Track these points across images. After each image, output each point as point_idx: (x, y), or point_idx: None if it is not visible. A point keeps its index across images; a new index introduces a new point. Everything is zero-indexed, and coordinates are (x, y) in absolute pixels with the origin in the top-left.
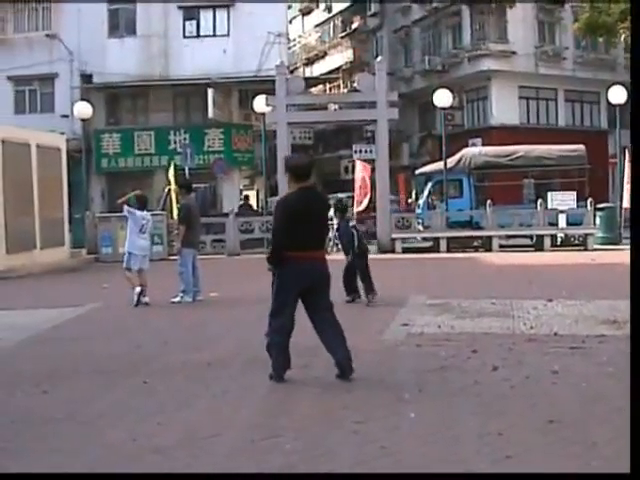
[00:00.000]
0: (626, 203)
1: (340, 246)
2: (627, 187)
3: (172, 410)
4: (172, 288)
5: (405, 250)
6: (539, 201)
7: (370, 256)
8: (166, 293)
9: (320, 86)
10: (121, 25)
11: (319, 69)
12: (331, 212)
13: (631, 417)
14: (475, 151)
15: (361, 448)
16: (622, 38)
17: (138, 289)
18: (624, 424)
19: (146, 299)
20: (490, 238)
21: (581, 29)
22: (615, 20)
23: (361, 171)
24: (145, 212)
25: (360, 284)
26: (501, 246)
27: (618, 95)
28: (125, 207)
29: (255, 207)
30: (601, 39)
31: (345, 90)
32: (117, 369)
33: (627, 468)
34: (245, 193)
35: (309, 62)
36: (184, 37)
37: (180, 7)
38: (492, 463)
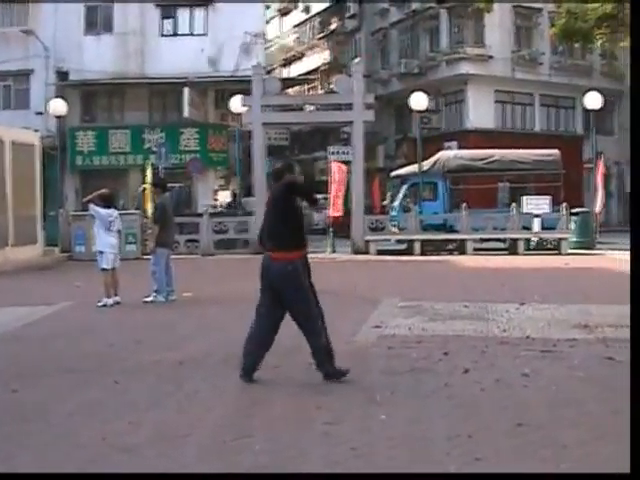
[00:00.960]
0: (597, 208)
1: None
2: (600, 192)
3: (143, 409)
4: (145, 287)
5: (379, 252)
6: (513, 205)
7: (344, 257)
8: (139, 292)
9: (297, 87)
10: (98, 22)
11: (296, 70)
12: None
13: (631, 417)
14: (450, 154)
15: (332, 449)
16: (598, 44)
17: (111, 300)
18: (594, 427)
19: (117, 298)
20: (464, 241)
21: (557, 34)
22: (591, 26)
23: (337, 173)
24: (111, 210)
25: None
26: (475, 249)
27: (594, 101)
28: (90, 206)
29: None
30: (577, 45)
31: (322, 91)
32: (88, 368)
33: (596, 472)
34: (223, 193)
35: (286, 63)
36: (161, 35)
37: (157, 5)
38: (462, 465)
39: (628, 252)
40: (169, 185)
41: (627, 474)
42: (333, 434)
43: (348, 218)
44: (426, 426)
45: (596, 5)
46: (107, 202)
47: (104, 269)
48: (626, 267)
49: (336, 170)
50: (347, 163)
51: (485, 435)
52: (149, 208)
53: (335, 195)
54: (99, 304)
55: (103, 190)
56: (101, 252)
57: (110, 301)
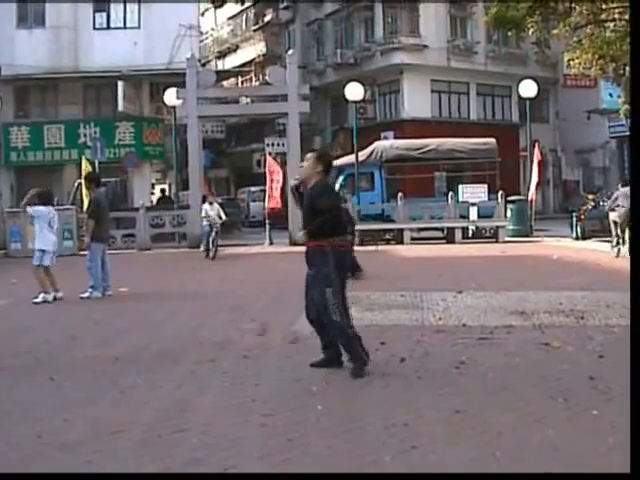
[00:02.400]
0: (530, 195)
1: None
2: (534, 180)
3: (78, 406)
4: (82, 283)
5: None
6: (450, 194)
7: (282, 249)
8: (76, 289)
9: (232, 79)
10: (30, 16)
11: (231, 62)
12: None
13: (631, 417)
14: (387, 144)
15: (268, 441)
16: (530, 32)
17: (51, 296)
18: (528, 413)
19: (60, 294)
20: (402, 231)
21: (489, 23)
22: (523, 15)
23: (271, 166)
24: (50, 207)
25: None
26: (413, 239)
27: (529, 89)
28: (28, 208)
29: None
30: (510, 34)
31: (257, 83)
32: (23, 365)
33: (533, 457)
34: (162, 187)
35: (221, 55)
36: (94, 29)
37: None
38: (398, 454)
39: (564, 239)
40: (104, 180)
41: (627, 474)
42: (269, 425)
43: (286, 210)
44: (362, 415)
45: None
46: (45, 200)
47: (39, 266)
48: (562, 253)
49: (270, 162)
50: (283, 155)
51: (421, 423)
52: (85, 203)
53: (270, 187)
54: (35, 300)
55: (39, 189)
56: (43, 250)
57: (50, 297)
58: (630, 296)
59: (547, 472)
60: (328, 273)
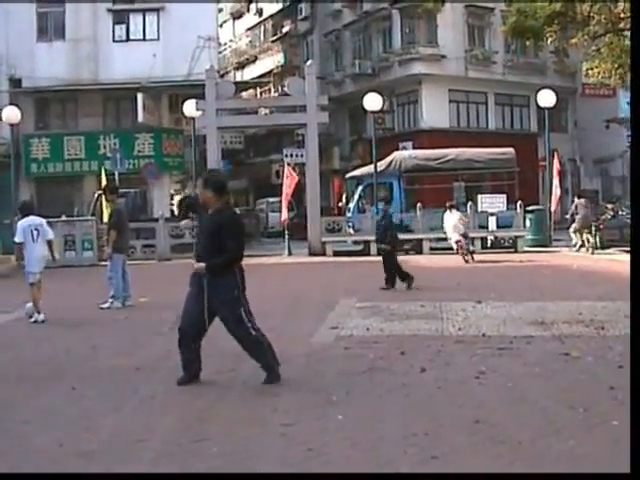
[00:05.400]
0: (553, 206)
1: None
2: (556, 191)
3: (99, 415)
4: (101, 293)
5: (336, 253)
6: (469, 204)
7: (301, 259)
8: (95, 298)
9: (251, 90)
10: (50, 29)
11: (250, 73)
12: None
13: (631, 417)
14: (405, 154)
15: (288, 450)
16: (549, 42)
17: (39, 317)
18: (547, 423)
19: (40, 316)
20: (421, 241)
21: (508, 32)
22: (542, 24)
23: (287, 177)
24: (33, 217)
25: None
26: (432, 249)
27: (547, 98)
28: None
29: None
30: (529, 43)
31: (276, 94)
32: (44, 375)
33: (552, 467)
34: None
35: (240, 66)
36: (113, 41)
37: (109, 10)
38: (418, 463)
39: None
40: (124, 191)
41: (627, 474)
42: (289, 435)
43: (305, 220)
44: (382, 425)
45: (545, 4)
46: (26, 212)
47: (31, 284)
48: (581, 263)
49: (287, 174)
50: (302, 165)
51: (441, 433)
52: (105, 214)
53: (286, 198)
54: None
55: (20, 201)
56: (29, 272)
57: (40, 317)
58: (630, 297)
59: (546, 472)
60: (238, 296)
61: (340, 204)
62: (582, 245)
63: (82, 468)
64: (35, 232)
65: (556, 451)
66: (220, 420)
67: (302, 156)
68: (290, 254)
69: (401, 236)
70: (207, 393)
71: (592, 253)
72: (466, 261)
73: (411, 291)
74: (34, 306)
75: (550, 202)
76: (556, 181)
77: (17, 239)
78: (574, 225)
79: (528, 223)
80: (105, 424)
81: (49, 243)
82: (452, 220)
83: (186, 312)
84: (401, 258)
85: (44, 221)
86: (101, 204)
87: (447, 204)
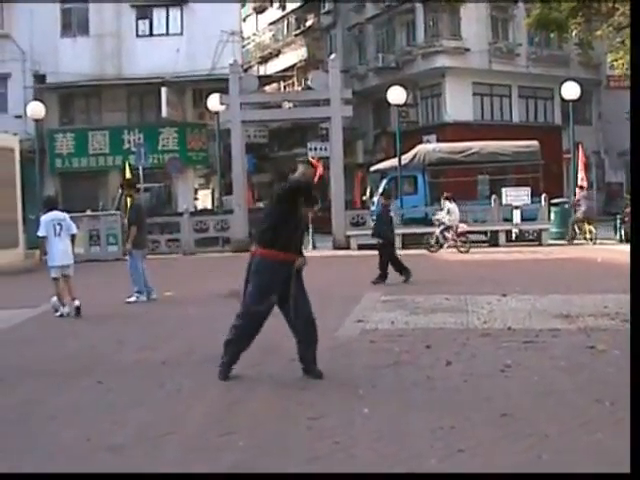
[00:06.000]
0: (578, 197)
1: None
2: (583, 184)
3: (126, 408)
4: (126, 287)
5: (360, 247)
6: (493, 197)
7: (325, 253)
8: (120, 293)
9: (274, 84)
10: (74, 24)
11: (273, 67)
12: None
13: (631, 417)
14: (429, 148)
15: (315, 444)
16: (573, 34)
17: (64, 310)
18: (575, 416)
19: (65, 309)
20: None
21: (531, 25)
22: (566, 16)
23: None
24: (56, 212)
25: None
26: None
27: (571, 91)
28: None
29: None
30: (553, 35)
31: (299, 88)
32: (71, 369)
33: (578, 460)
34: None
35: (263, 60)
36: (137, 36)
37: (133, 6)
38: (444, 457)
39: (608, 242)
40: (148, 185)
41: (627, 474)
42: (316, 429)
43: (329, 213)
44: (409, 419)
45: None
46: (49, 206)
47: (54, 279)
48: (606, 256)
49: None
50: (326, 159)
51: (468, 426)
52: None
53: None
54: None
55: (46, 196)
56: (51, 267)
57: (65, 310)
58: (630, 295)
59: (547, 473)
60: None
61: (364, 197)
62: (576, 237)
63: (110, 462)
64: (58, 227)
65: (584, 444)
66: (246, 414)
67: (326, 150)
68: (314, 248)
69: (425, 229)
70: (234, 387)
71: (594, 244)
72: (465, 252)
73: (436, 284)
74: (58, 300)
75: (575, 195)
76: (582, 174)
77: (40, 233)
78: (576, 216)
79: (552, 216)
80: (132, 418)
81: (72, 237)
82: (457, 210)
83: (295, 316)
84: (424, 252)
85: (67, 216)
86: (125, 199)
87: (445, 195)
